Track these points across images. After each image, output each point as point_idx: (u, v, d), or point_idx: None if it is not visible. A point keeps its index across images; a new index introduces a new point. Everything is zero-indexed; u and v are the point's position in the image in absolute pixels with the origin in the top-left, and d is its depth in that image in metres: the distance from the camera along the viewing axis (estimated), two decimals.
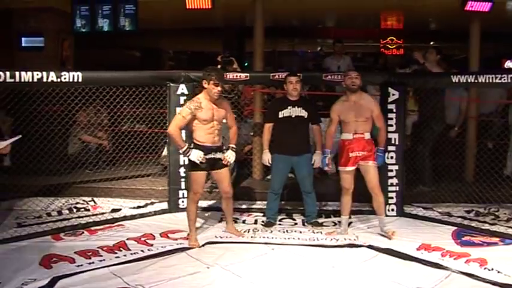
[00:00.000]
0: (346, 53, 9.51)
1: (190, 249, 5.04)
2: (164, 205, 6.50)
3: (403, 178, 6.35)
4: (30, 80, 5.50)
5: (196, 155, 5.13)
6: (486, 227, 5.76)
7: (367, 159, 5.42)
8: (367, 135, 5.47)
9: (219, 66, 6.94)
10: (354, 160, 5.43)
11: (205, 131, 5.22)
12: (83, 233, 5.56)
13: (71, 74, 5.74)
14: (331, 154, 5.80)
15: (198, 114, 5.15)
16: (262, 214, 6.23)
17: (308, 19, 11.18)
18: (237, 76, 6.46)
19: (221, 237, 5.41)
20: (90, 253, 4.86)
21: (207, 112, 5.18)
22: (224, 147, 5.46)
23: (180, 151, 5.50)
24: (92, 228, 5.72)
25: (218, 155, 5.31)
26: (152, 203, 6.69)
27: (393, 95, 6.22)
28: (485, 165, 6.73)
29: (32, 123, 6.07)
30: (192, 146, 5.23)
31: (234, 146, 5.48)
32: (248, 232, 5.63)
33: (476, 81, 5.88)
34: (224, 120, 5.43)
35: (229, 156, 5.36)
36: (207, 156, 5.20)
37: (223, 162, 5.33)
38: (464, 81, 5.93)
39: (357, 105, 5.44)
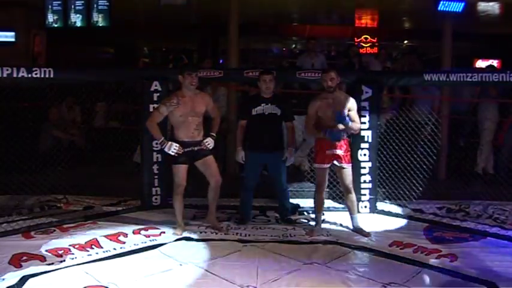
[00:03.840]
0: (321, 51, 9.55)
1: (163, 245, 5.01)
2: (137, 202, 6.46)
3: (376, 175, 6.40)
4: (0, 76, 5.44)
5: (171, 147, 5.21)
6: (457, 223, 5.86)
7: (342, 161, 5.42)
8: (345, 134, 5.48)
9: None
10: (331, 158, 5.42)
11: (183, 127, 5.31)
12: (54, 231, 5.46)
13: (43, 69, 5.68)
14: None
15: (175, 111, 5.23)
16: (235, 211, 6.21)
17: (283, 17, 11.20)
18: (210, 73, 6.43)
19: (195, 234, 5.39)
20: (62, 251, 4.77)
21: (185, 107, 5.25)
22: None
23: (157, 143, 5.55)
24: (64, 226, 5.61)
25: (198, 148, 5.36)
26: (125, 201, 6.63)
27: (366, 92, 6.24)
28: (457, 163, 6.83)
29: (2, 119, 5.96)
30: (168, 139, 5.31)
31: (213, 134, 5.48)
32: (222, 229, 5.62)
33: (447, 79, 6.00)
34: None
35: (208, 142, 5.39)
36: (185, 150, 5.27)
37: (202, 148, 5.36)
38: (436, 79, 6.03)
39: (335, 102, 5.42)
